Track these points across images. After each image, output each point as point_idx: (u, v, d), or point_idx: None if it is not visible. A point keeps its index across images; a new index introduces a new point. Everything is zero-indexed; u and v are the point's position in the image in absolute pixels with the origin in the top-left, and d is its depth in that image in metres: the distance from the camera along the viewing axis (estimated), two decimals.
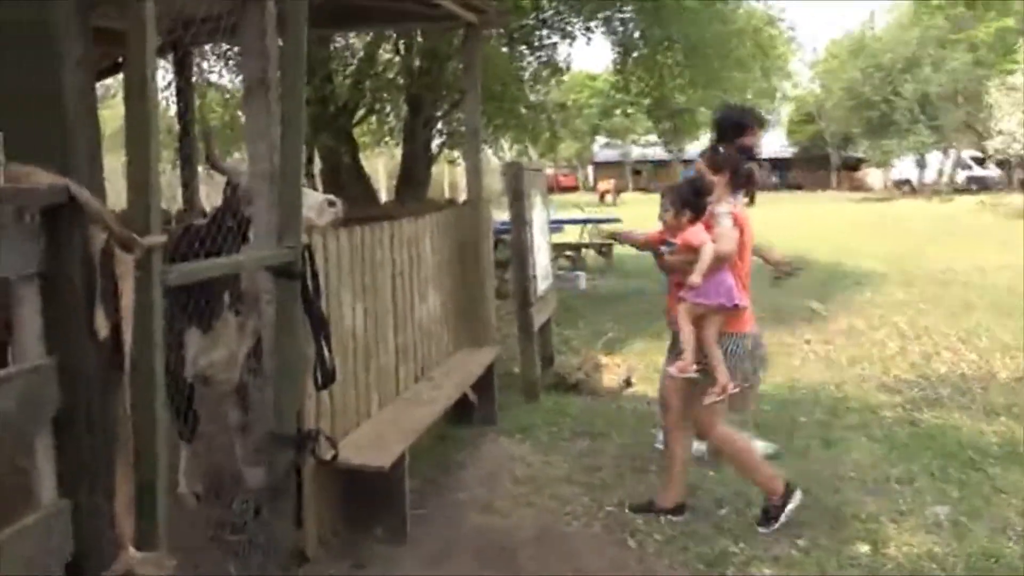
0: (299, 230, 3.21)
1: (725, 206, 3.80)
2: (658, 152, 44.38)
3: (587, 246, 14.19)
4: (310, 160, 10.94)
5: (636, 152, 50.16)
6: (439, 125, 11.27)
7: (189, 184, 6.70)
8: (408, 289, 4.81)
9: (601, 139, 49.86)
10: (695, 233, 3.70)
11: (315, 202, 3.61)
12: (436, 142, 12.23)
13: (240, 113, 10.62)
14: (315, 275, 3.32)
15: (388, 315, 4.50)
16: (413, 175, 10.35)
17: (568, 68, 12.54)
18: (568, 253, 13.43)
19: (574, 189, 46.95)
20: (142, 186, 2.17)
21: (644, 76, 12.50)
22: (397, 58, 10.68)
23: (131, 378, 1.93)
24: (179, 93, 7.01)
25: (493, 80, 9.65)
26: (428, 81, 9.85)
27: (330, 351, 3.31)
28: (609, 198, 36.09)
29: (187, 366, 3.69)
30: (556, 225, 12.68)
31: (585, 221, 15.00)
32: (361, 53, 10.48)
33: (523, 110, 11.59)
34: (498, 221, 7.33)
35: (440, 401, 4.53)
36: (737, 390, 3.71)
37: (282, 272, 3.18)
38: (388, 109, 11.84)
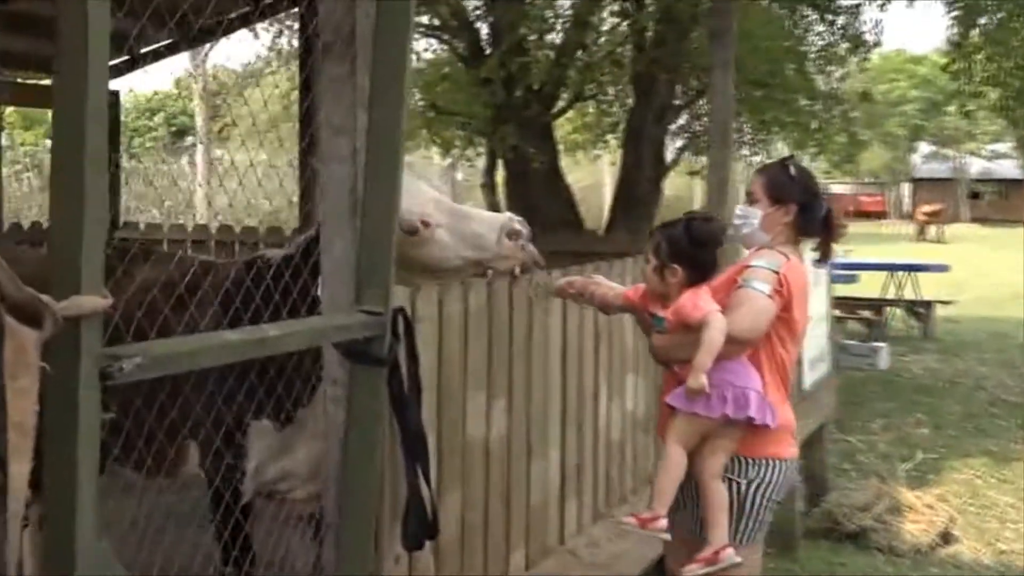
0: (388, 283, 2.86)
1: (769, 257, 3.37)
2: (1009, 168, 41.64)
3: (894, 303, 13.28)
4: (491, 167, 10.72)
5: (977, 167, 47.53)
6: (678, 120, 10.69)
7: (307, 192, 6.51)
8: (590, 376, 4.46)
9: (924, 147, 47.98)
10: (693, 300, 3.23)
11: (486, 228, 3.44)
12: (673, 145, 11.75)
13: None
14: (414, 357, 2.97)
15: (550, 419, 4.12)
16: (635, 191, 9.88)
17: (878, 44, 11.81)
18: (864, 314, 12.74)
19: (881, 215, 45.19)
20: (70, 220, 1.89)
21: (996, 56, 11.37)
22: (621, 22, 10.20)
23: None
24: (301, 63, 6.93)
25: (760, 56, 9.08)
26: (663, 56, 9.29)
27: (429, 484, 3.00)
28: (932, 231, 34.23)
29: (247, 477, 3.55)
30: (847, 271, 11.85)
31: (893, 267, 13.98)
32: (569, 13, 10.09)
33: (805, 101, 10.71)
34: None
35: (633, 560, 4.19)
36: (740, 562, 3.26)
37: (356, 353, 2.86)
38: (605, 95, 11.38)
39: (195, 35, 7.48)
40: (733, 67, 6.41)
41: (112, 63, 7.40)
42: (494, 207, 10.72)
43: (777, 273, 3.34)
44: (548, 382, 4.09)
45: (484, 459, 3.64)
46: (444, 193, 3.75)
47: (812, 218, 3.50)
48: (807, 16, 11.09)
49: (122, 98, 8.27)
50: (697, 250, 3.28)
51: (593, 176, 26.57)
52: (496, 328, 3.66)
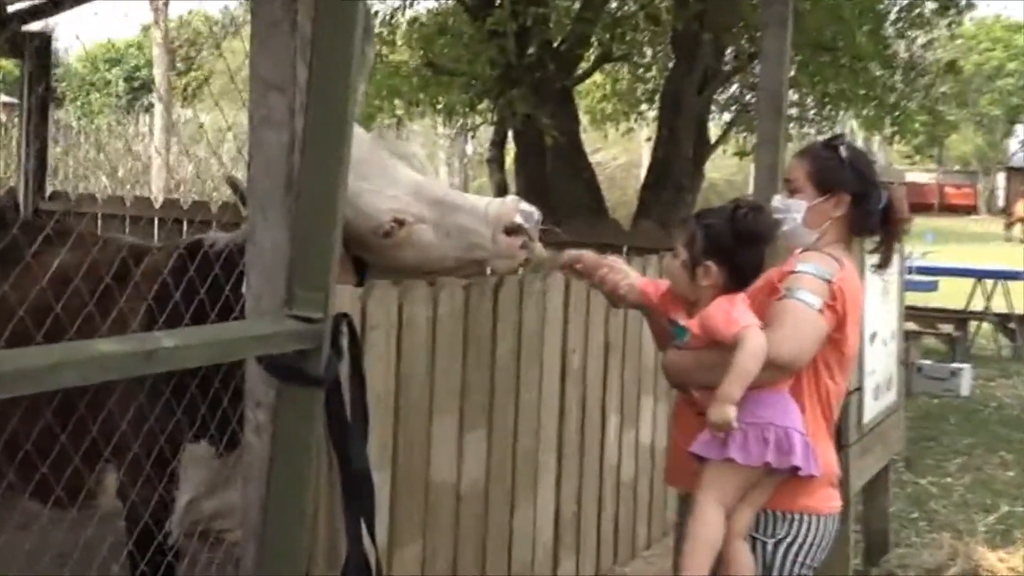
0: (327, 282, 2.69)
1: (819, 262, 3.24)
2: None
3: (981, 317, 13.23)
4: (500, 140, 10.56)
5: None
6: (726, 89, 10.49)
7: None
8: (596, 400, 4.32)
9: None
10: (726, 311, 3.10)
11: (478, 222, 3.25)
12: (720, 120, 11.60)
13: None
14: (360, 376, 2.86)
15: (543, 454, 3.98)
16: (670, 174, 9.69)
17: (972, 6, 11.77)
18: (944, 329, 12.70)
19: (970, 210, 45.01)
20: None
21: None
22: None
23: None
24: None
25: (825, 14, 8.82)
26: (709, 10, 9.08)
27: (373, 536, 2.88)
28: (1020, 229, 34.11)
29: (177, 512, 3.47)
30: (925, 277, 11.66)
31: (981, 273, 13.83)
32: None
33: (880, 71, 10.52)
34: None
35: None
36: None
37: (284, 370, 2.70)
38: (641, 56, 11.20)
39: None
40: (790, 26, 6.22)
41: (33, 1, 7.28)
42: (501, 187, 10.59)
43: (829, 283, 3.20)
44: (541, 407, 3.96)
45: (453, 504, 3.50)
46: (431, 173, 3.57)
47: (868, 211, 3.36)
48: None
49: (75, 46, 8.15)
50: (741, 247, 3.13)
51: (629, 154, 26.47)
52: (474, 338, 3.51)
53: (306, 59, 2.71)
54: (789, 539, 3.22)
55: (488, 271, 3.37)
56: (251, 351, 2.59)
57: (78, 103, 28.03)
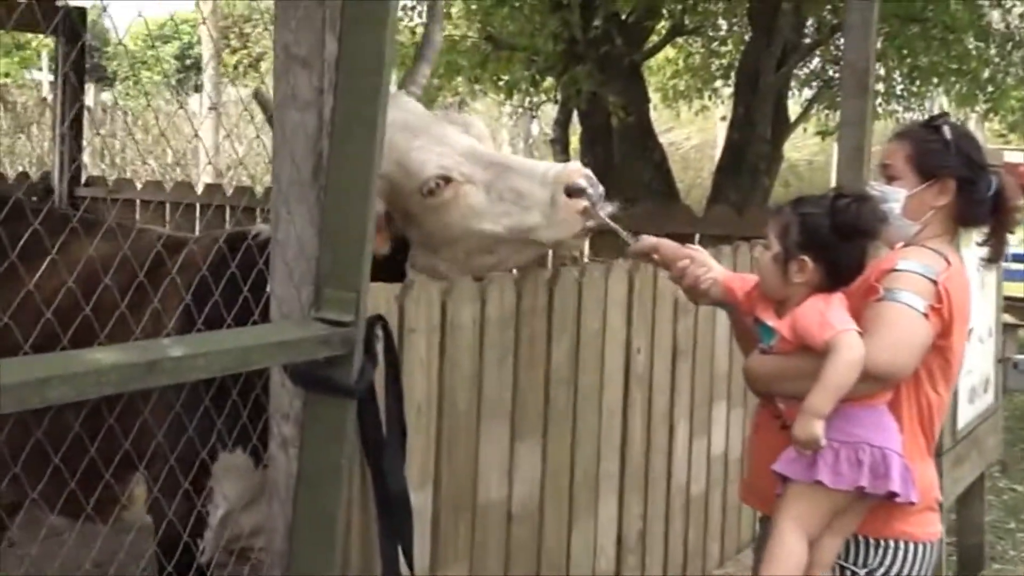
0: (360, 281, 2.54)
1: (922, 258, 3.09)
2: None
3: None
4: (565, 119, 10.37)
5: None
6: (807, 63, 10.22)
7: None
8: (662, 406, 4.15)
9: None
10: (821, 312, 2.96)
11: (536, 184, 3.11)
12: (801, 97, 11.33)
13: None
14: (397, 385, 2.73)
15: (604, 466, 3.82)
16: (746, 155, 9.46)
17: None
18: None
19: None
20: None
21: None
22: None
23: None
24: None
25: None
26: None
27: (411, 563, 2.78)
28: None
29: (212, 527, 3.37)
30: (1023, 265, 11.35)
31: None
32: None
33: (973, 45, 10.23)
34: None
35: None
36: None
37: (312, 380, 2.58)
38: (715, 29, 10.96)
39: None
40: None
41: None
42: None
43: (935, 283, 3.03)
44: (602, 414, 3.78)
45: (504, 523, 3.36)
46: (489, 144, 3.39)
47: (977, 199, 3.18)
48: None
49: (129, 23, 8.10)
50: (840, 241, 2.99)
51: (704, 135, 26.14)
52: (526, 340, 3.35)
53: (336, 31, 2.57)
54: (883, 569, 3.09)
55: (547, 251, 3.26)
56: (272, 359, 2.45)
57: (129, 82, 28.22)
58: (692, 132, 26.08)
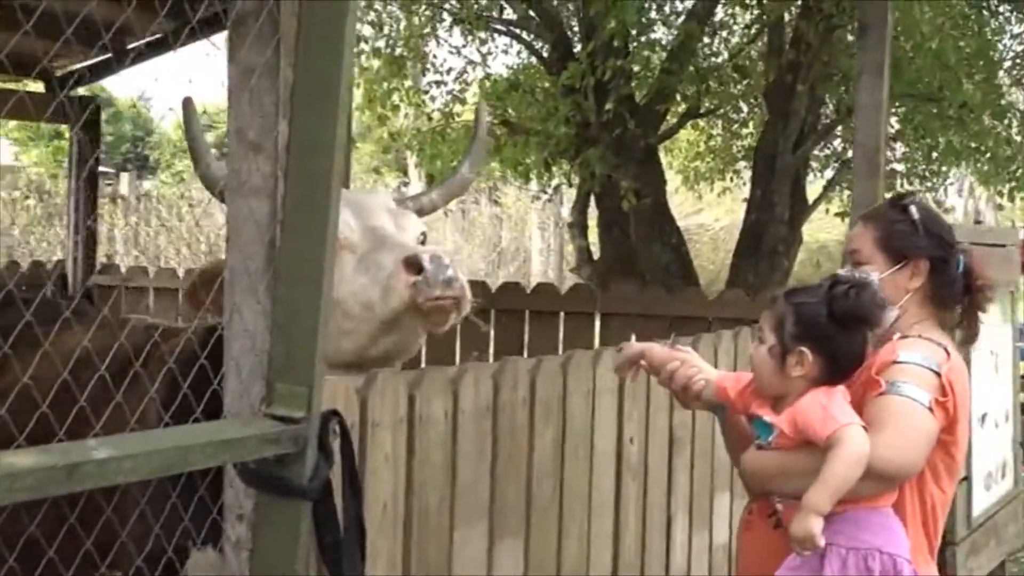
0: (313, 374, 2.39)
1: (922, 350, 2.97)
2: None
3: None
4: (583, 202, 10.27)
5: None
6: (827, 145, 10.06)
7: None
8: (658, 498, 3.96)
9: None
10: (823, 407, 2.82)
11: (392, 257, 3.09)
12: (819, 176, 11.16)
13: None
14: (355, 488, 2.53)
15: (595, 564, 3.61)
16: (764, 237, 9.32)
17: None
18: None
19: None
20: None
21: None
22: (745, 16, 9.71)
23: None
24: None
25: (926, 63, 8.35)
26: (802, 62, 8.76)
27: None
28: None
29: None
30: None
31: None
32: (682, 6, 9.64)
33: (990, 123, 10.08)
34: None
35: None
36: None
37: (263, 479, 2.43)
38: (734, 110, 10.90)
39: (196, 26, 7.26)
40: (887, 74, 5.90)
41: (91, 62, 7.16)
42: (585, 252, 10.25)
43: (939, 375, 2.89)
44: (592, 507, 3.58)
45: None
46: (410, 232, 3.36)
47: (949, 279, 3.09)
48: (999, 12, 10.48)
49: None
50: (839, 331, 2.87)
51: (732, 216, 25.99)
52: (505, 432, 3.15)
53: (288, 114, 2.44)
54: None
55: (398, 337, 3.12)
56: (213, 459, 2.27)
57: (170, 171, 28.48)
58: (720, 214, 25.99)
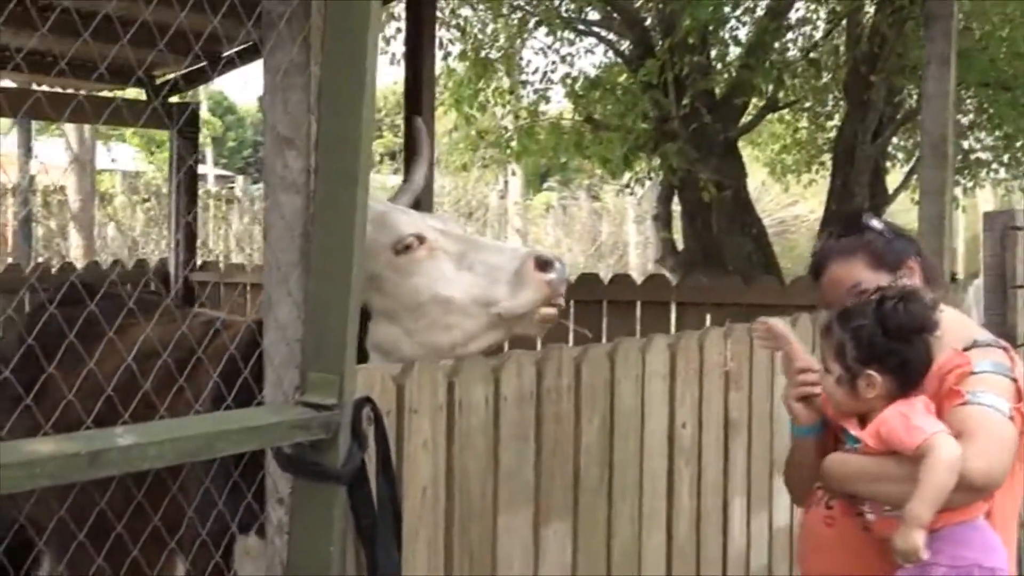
0: (344, 362, 2.36)
1: (992, 356, 2.84)
2: None
3: None
4: (668, 195, 10.09)
5: None
6: (911, 134, 9.88)
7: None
8: (713, 480, 3.82)
9: None
10: (905, 418, 2.71)
11: (505, 258, 3.07)
12: (902, 165, 10.87)
13: None
14: (388, 473, 2.49)
15: (647, 547, 3.49)
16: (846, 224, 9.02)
17: None
18: None
19: None
20: None
21: None
22: (820, 11, 9.48)
23: None
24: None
25: (997, 49, 8.05)
26: (877, 54, 8.50)
27: None
28: None
29: None
30: None
31: None
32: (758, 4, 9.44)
33: None
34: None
35: None
36: None
37: (298, 464, 2.41)
38: (812, 102, 10.64)
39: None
40: (954, 64, 5.71)
41: (186, 70, 7.24)
42: (669, 244, 10.09)
43: (1014, 380, 2.77)
44: (643, 491, 3.46)
45: None
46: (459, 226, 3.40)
47: (930, 263, 3.08)
48: None
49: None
50: (901, 346, 2.74)
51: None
52: (550, 419, 3.06)
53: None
54: None
55: (507, 332, 3.07)
56: (240, 445, 2.25)
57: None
58: (815, 206, 25.59)
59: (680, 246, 10.09)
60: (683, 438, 3.61)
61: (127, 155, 25.25)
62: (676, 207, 10.39)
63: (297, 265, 2.43)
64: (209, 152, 30.37)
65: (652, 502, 3.48)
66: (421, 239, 3.04)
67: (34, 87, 7.68)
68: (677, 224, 10.60)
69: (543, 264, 2.95)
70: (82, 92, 7.35)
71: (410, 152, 3.41)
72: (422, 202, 6.61)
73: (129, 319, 3.31)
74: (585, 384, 3.15)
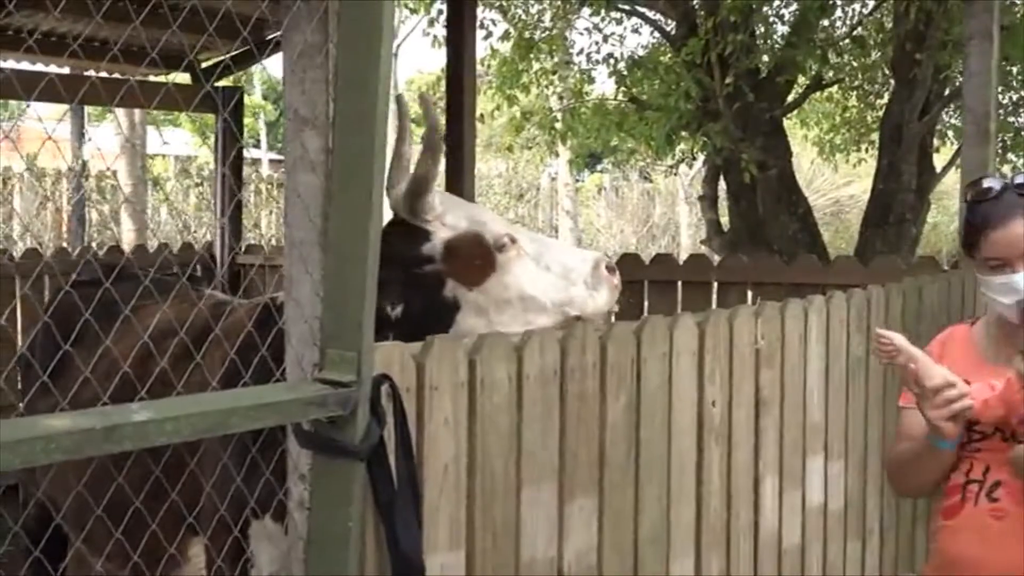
0: (362, 339, 2.36)
1: None
2: None
3: None
4: (714, 176, 10.01)
5: None
6: (947, 113, 9.67)
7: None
8: (744, 458, 3.79)
9: None
10: None
11: (577, 260, 3.40)
12: (951, 143, 10.71)
13: None
14: (407, 449, 2.49)
15: (677, 525, 3.47)
16: (892, 206, 8.95)
17: None
18: None
19: None
20: None
21: None
22: None
23: None
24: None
25: None
26: (922, 31, 8.36)
27: None
28: None
29: None
30: None
31: None
32: None
33: None
34: None
35: None
36: None
37: (317, 441, 2.42)
38: (866, 84, 10.47)
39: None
40: (997, 39, 5.62)
41: (232, 53, 7.28)
42: (714, 225, 10.02)
43: None
44: (671, 468, 3.42)
45: None
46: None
47: None
48: None
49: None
50: None
51: None
52: (575, 396, 3.04)
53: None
54: None
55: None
56: (256, 422, 2.25)
57: None
58: (868, 186, 25.35)
59: (727, 227, 10.02)
60: (712, 416, 3.59)
61: (180, 140, 25.46)
62: (723, 188, 10.30)
63: (315, 244, 2.45)
64: (263, 136, 30.54)
65: (681, 480, 3.44)
66: (513, 240, 3.28)
67: (87, 73, 7.76)
68: (725, 204, 10.54)
69: (611, 268, 3.33)
70: (135, 78, 7.41)
71: (400, 128, 3.45)
72: (466, 186, 6.75)
73: (145, 300, 3.34)
74: (611, 362, 3.13)
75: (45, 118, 2.90)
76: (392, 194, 3.33)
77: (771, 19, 9.51)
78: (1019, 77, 9.51)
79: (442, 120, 6.46)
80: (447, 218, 3.30)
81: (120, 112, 13.12)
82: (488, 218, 3.42)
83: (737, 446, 3.72)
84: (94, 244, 12.98)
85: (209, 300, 3.58)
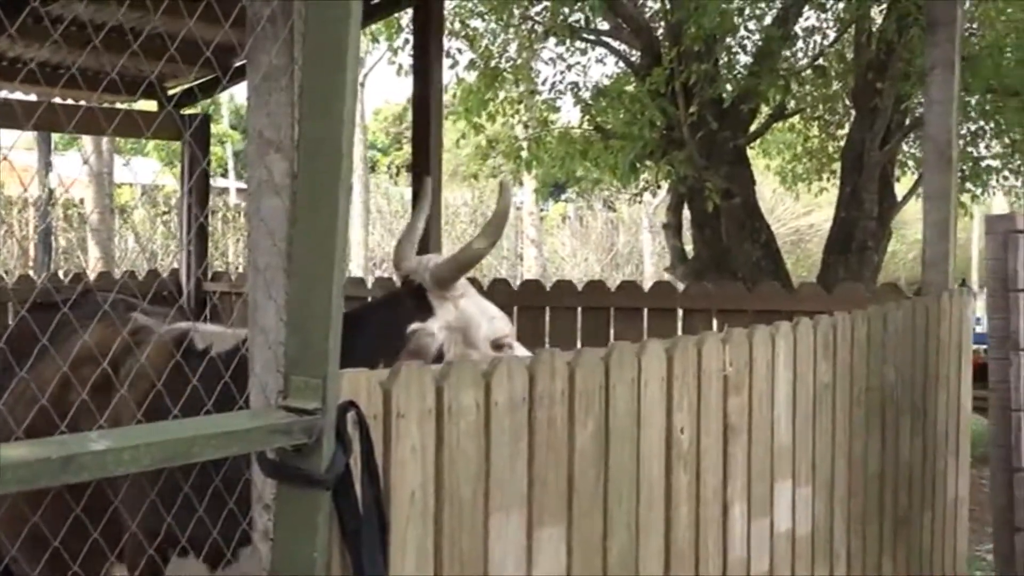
0: (326, 365, 2.30)
1: None
2: None
3: None
4: (678, 204, 10.01)
5: None
6: (908, 143, 9.75)
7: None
8: (713, 485, 3.75)
9: None
10: None
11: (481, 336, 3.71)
12: (912, 172, 10.77)
13: None
14: (373, 477, 2.43)
15: (645, 553, 3.41)
16: (854, 234, 8.97)
17: None
18: None
19: None
20: None
21: None
22: (825, 18, 9.43)
23: None
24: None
25: (1002, 56, 7.98)
26: (884, 60, 8.41)
27: None
28: None
29: None
30: None
31: None
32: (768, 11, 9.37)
33: None
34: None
35: None
36: None
37: (282, 470, 2.34)
38: (827, 113, 10.52)
39: None
40: (958, 69, 5.66)
41: (198, 81, 7.22)
42: (678, 252, 10.01)
43: None
44: (640, 495, 3.36)
45: None
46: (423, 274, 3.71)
47: None
48: None
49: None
50: None
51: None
52: (544, 424, 2.98)
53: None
54: None
55: None
56: (218, 451, 2.18)
57: None
58: (829, 215, 25.51)
59: (691, 254, 10.01)
60: (681, 443, 3.54)
61: (149, 169, 25.30)
62: (687, 216, 10.31)
63: (280, 269, 2.38)
64: (231, 165, 30.42)
65: (649, 507, 3.39)
66: (511, 345, 3.65)
67: (57, 100, 7.68)
68: (689, 233, 10.53)
69: (500, 347, 3.62)
70: (101, 104, 7.35)
71: (416, 201, 3.72)
72: (431, 218, 6.69)
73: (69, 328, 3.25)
74: (579, 389, 3.07)
75: (15, 148, 2.83)
76: (414, 260, 3.59)
77: (734, 49, 9.54)
78: (978, 107, 9.56)
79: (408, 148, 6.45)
80: (462, 301, 3.49)
81: (87, 140, 13.00)
82: (498, 315, 3.66)
83: (706, 472, 3.67)
84: (60, 272, 12.84)
85: (133, 326, 3.49)
